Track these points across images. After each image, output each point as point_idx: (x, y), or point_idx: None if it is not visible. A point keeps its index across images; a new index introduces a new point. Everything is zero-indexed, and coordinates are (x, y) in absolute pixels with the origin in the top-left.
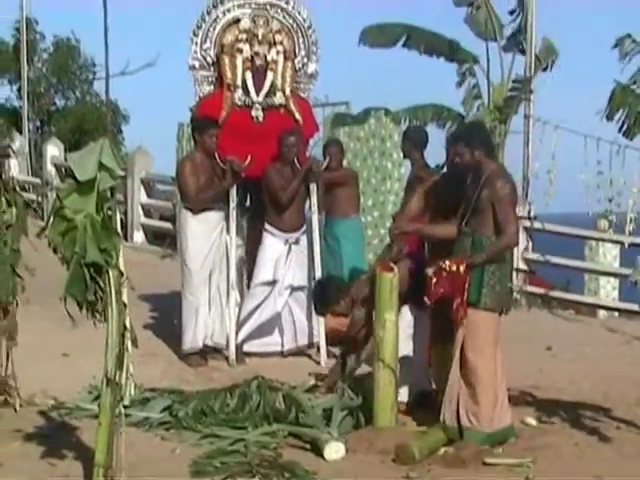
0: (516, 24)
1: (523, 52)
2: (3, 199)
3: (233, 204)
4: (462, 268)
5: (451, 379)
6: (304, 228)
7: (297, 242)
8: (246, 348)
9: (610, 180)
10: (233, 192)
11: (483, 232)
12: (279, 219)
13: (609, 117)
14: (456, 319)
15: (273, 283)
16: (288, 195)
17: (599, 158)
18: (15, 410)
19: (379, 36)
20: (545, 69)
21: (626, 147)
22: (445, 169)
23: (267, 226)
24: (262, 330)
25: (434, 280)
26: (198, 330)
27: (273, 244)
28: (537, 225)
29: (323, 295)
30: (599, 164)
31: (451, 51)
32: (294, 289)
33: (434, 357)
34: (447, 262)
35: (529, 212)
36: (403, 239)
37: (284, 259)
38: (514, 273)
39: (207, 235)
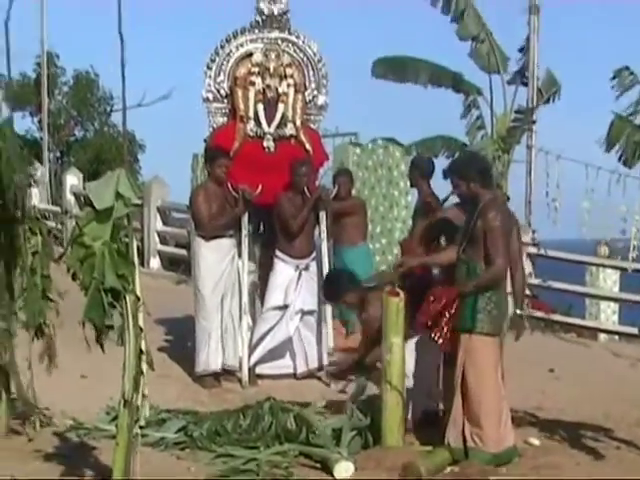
0: (523, 61)
1: (526, 84)
2: (27, 227)
3: (245, 231)
4: (443, 300)
5: (455, 402)
6: (314, 254)
7: (307, 268)
8: (258, 370)
9: (609, 207)
10: (245, 220)
11: (477, 260)
12: (290, 246)
13: (608, 148)
14: (438, 344)
15: (284, 308)
16: (298, 223)
17: (600, 187)
18: (35, 429)
19: (389, 69)
20: (547, 101)
21: (626, 176)
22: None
23: (278, 252)
24: (274, 353)
25: (422, 309)
26: (211, 353)
27: (284, 270)
28: (540, 251)
29: (335, 284)
30: (593, 192)
31: (456, 83)
32: (304, 313)
33: (444, 379)
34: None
35: (533, 239)
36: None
37: (294, 284)
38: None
39: (219, 262)
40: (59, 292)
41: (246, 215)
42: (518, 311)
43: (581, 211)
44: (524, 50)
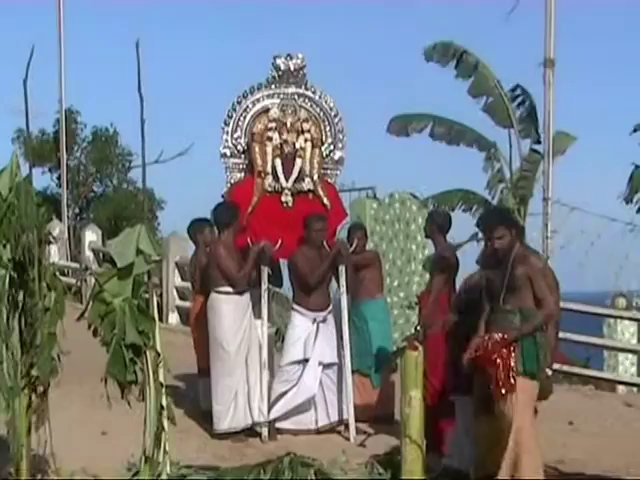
0: (524, 109)
1: (538, 140)
2: (44, 284)
3: (265, 286)
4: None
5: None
6: (330, 307)
7: (324, 321)
8: (279, 425)
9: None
10: (265, 275)
11: (529, 307)
12: (306, 299)
13: (628, 199)
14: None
15: (304, 362)
16: (316, 278)
17: (615, 239)
18: None
19: (406, 125)
20: (563, 152)
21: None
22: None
23: (295, 306)
24: (296, 409)
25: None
26: (239, 410)
27: (302, 323)
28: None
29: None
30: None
31: (471, 139)
32: (324, 367)
33: (478, 428)
34: (496, 335)
35: None
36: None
37: (313, 337)
38: None
39: (241, 317)
40: (61, 350)
41: (265, 271)
42: (548, 371)
43: (596, 263)
44: (518, 98)
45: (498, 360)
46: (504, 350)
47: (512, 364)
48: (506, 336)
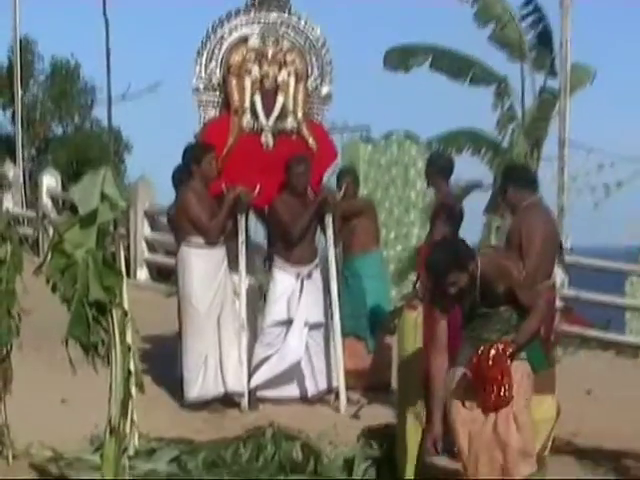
0: (537, 34)
1: (554, 73)
2: None
3: (242, 237)
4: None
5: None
6: (317, 261)
7: (310, 276)
8: (260, 394)
9: None
10: (242, 225)
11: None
12: (288, 252)
13: None
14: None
15: (288, 322)
16: (299, 228)
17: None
18: (8, 463)
19: (404, 58)
20: (582, 87)
21: None
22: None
23: (276, 260)
24: (279, 376)
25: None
26: (209, 378)
27: (284, 279)
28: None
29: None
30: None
31: (478, 72)
32: (310, 327)
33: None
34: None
35: (565, 245)
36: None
37: (297, 295)
38: None
39: (213, 273)
40: (22, 308)
41: (243, 219)
42: None
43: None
44: (530, 19)
45: (496, 377)
46: (504, 365)
47: (509, 382)
48: (506, 349)
